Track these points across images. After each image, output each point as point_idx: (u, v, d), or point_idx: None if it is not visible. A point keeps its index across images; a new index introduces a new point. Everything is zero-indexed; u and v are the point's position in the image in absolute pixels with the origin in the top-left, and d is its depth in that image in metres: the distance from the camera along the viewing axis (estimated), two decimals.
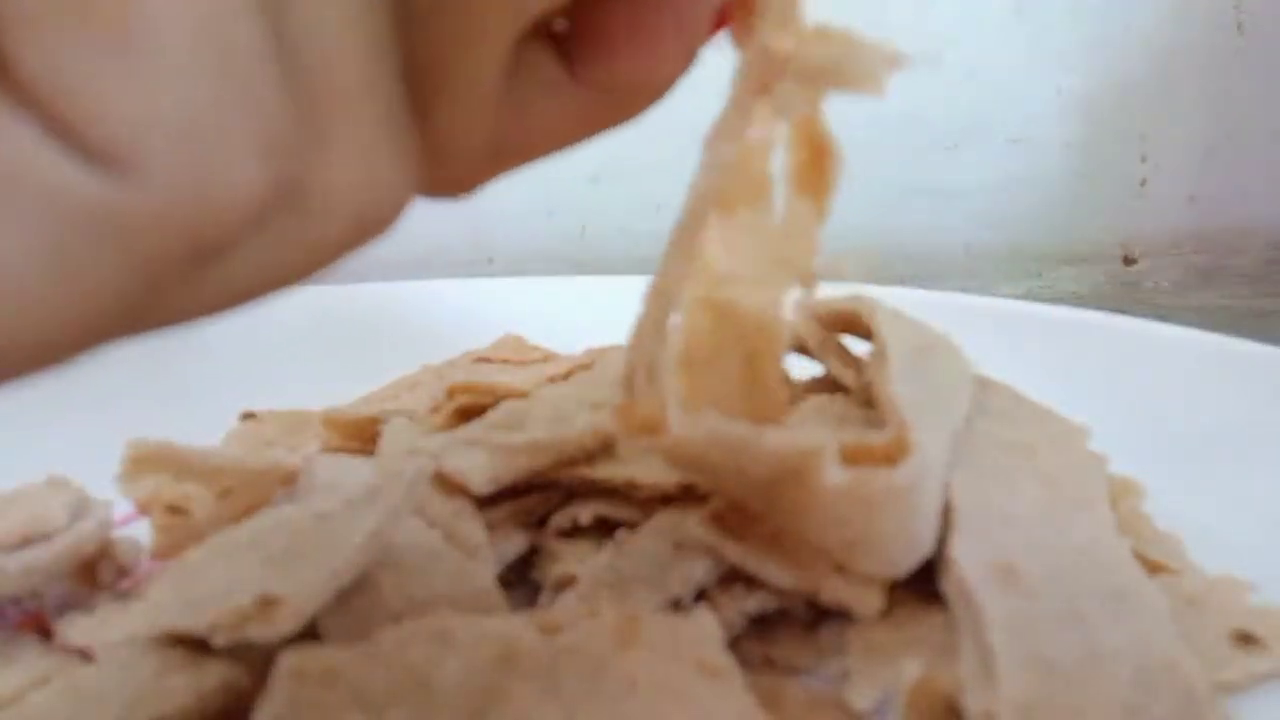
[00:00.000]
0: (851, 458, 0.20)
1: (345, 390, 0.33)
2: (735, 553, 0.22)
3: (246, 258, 0.11)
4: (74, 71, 0.09)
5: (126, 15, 0.09)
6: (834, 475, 0.19)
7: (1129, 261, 0.66)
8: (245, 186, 0.10)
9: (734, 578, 0.22)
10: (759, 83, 0.17)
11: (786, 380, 0.23)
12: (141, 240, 0.09)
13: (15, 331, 0.09)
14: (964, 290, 0.60)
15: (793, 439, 0.19)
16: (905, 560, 0.20)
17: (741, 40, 0.17)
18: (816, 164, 0.18)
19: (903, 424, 0.20)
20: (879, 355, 0.26)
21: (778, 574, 0.21)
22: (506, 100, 0.14)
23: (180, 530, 0.25)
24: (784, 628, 0.22)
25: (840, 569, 0.21)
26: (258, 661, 0.20)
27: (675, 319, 0.19)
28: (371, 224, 0.12)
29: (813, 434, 0.19)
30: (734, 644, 0.21)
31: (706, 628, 0.20)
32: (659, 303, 0.18)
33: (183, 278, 0.10)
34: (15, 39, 0.08)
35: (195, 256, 0.10)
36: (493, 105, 0.14)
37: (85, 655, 0.21)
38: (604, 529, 0.25)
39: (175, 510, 0.25)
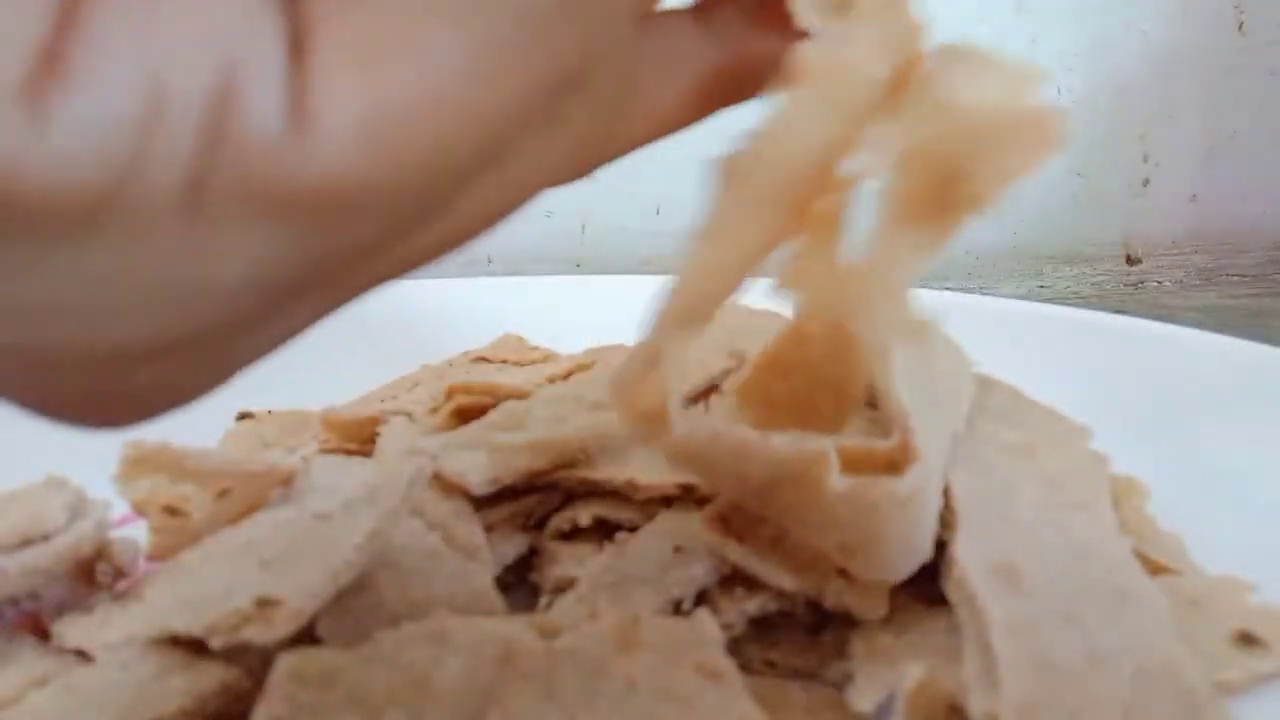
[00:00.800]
0: (854, 463, 0.19)
1: (344, 390, 0.33)
2: (738, 554, 0.22)
3: (531, 152, 0.12)
4: None
5: None
6: (836, 481, 0.19)
7: (1131, 261, 0.66)
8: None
9: (734, 579, 0.22)
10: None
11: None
12: (555, 27, 0.11)
13: (455, 109, 0.10)
14: (965, 290, 0.59)
15: (796, 443, 0.19)
16: (904, 566, 0.20)
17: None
18: (939, 193, 0.17)
19: (908, 430, 0.20)
20: (882, 355, 0.26)
21: (781, 576, 0.21)
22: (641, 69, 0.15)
23: (177, 531, 0.25)
24: (785, 630, 0.22)
25: (844, 572, 0.21)
26: (256, 663, 0.20)
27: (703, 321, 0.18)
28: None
29: (815, 438, 0.19)
30: (735, 646, 0.21)
31: (707, 630, 0.20)
32: (688, 299, 0.18)
33: (550, 112, 0.12)
34: None
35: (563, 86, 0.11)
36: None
37: (83, 656, 0.21)
38: (604, 531, 0.25)
39: (172, 511, 0.25)
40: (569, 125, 0.12)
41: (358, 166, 0.10)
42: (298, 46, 0.10)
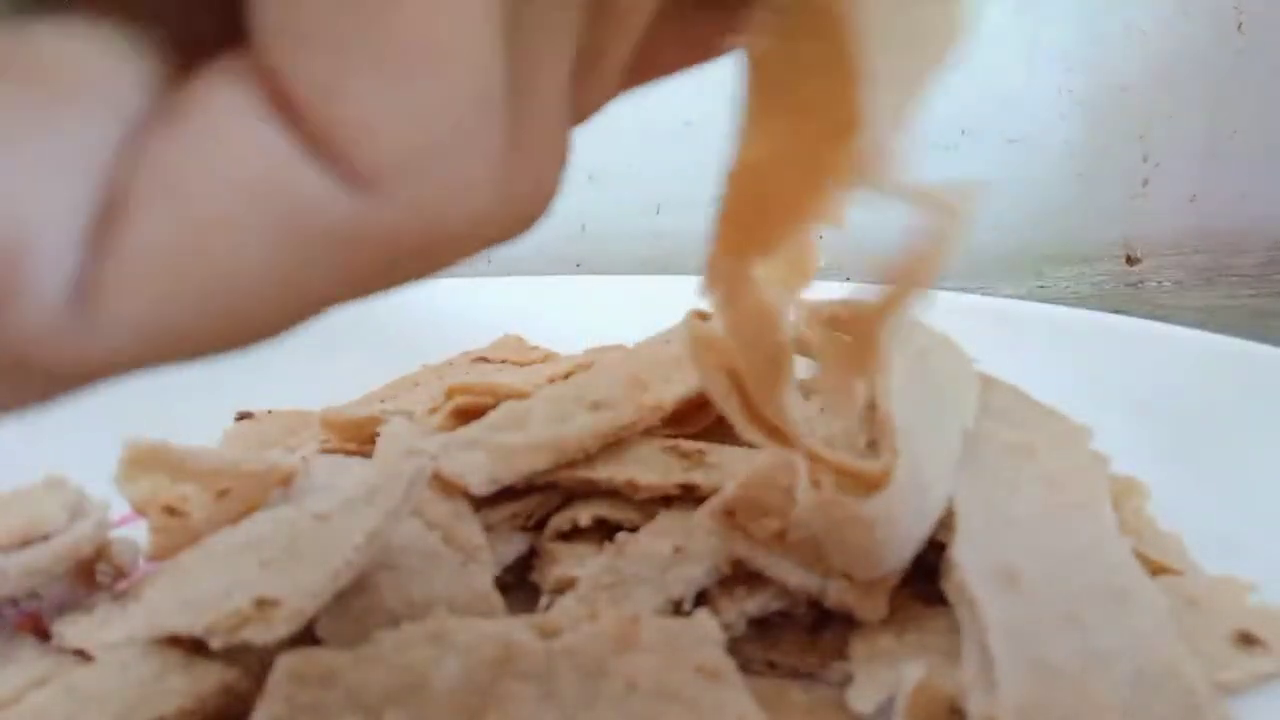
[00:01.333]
0: (836, 472, 0.19)
1: (344, 390, 0.33)
2: (742, 548, 0.22)
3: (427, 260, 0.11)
4: (346, 95, 0.09)
5: (406, 45, 0.09)
6: (803, 493, 0.19)
7: (1130, 261, 0.66)
8: (475, 207, 0.10)
9: (735, 579, 0.22)
10: None
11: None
12: (368, 253, 0.10)
13: (234, 326, 0.10)
14: (964, 290, 0.59)
15: (771, 450, 0.19)
16: (874, 569, 0.20)
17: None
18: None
19: (893, 451, 0.20)
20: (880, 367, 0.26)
21: (785, 570, 0.21)
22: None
23: (177, 531, 0.25)
24: (785, 631, 0.22)
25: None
26: (255, 663, 0.20)
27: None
28: (525, 222, 0.13)
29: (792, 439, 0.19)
30: (735, 646, 0.21)
31: (707, 630, 0.20)
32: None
33: (377, 281, 0.10)
34: (291, 59, 0.09)
35: (401, 264, 0.10)
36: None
37: (83, 656, 0.21)
38: (604, 531, 0.25)
39: (172, 511, 0.25)
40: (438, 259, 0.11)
41: (134, 355, 0.09)
42: (110, 214, 0.09)
